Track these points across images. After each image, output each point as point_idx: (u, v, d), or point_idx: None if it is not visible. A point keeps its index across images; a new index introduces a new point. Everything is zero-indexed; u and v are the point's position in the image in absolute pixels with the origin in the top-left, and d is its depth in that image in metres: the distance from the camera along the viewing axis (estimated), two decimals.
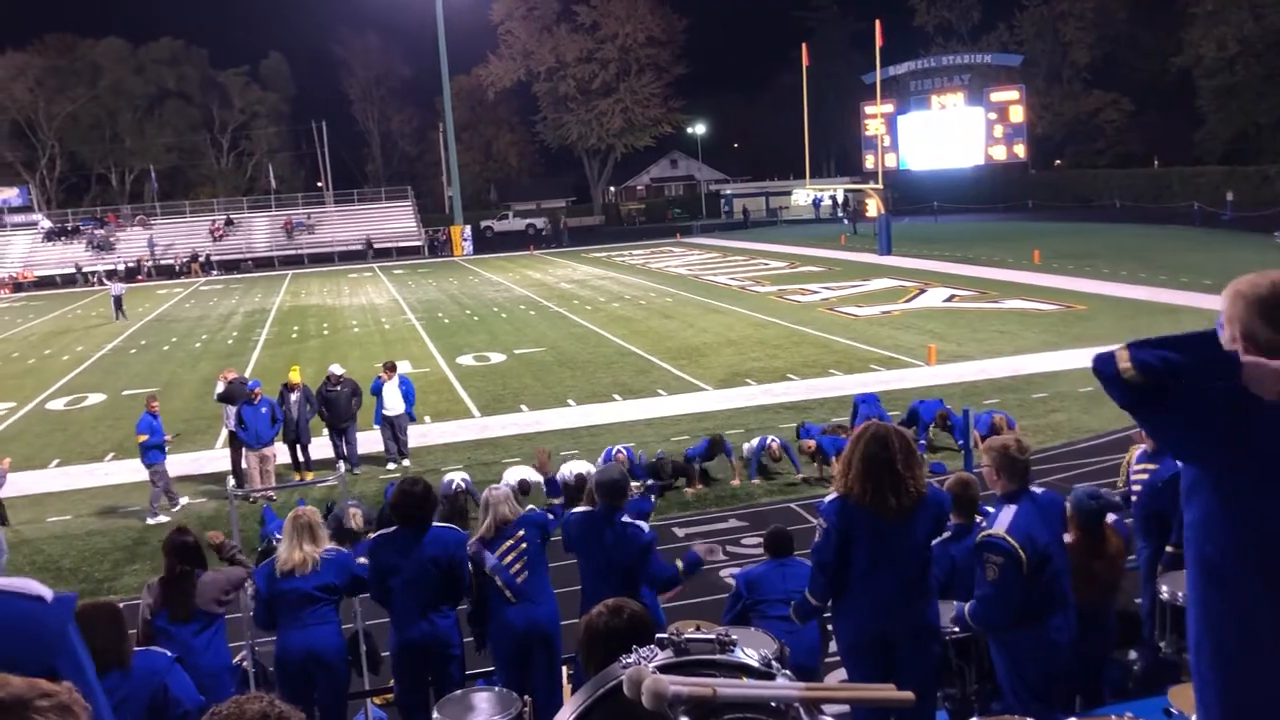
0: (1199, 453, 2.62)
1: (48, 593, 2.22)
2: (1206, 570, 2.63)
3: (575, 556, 6.03)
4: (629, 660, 1.78)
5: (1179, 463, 2.79)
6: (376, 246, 57.53)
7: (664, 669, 1.73)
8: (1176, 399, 2.50)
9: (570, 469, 12.00)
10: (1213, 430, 2.51)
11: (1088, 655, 5.28)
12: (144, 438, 12.57)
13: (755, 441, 12.79)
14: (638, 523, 5.90)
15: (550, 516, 6.44)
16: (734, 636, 1.89)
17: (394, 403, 14.26)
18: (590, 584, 5.81)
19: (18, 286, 51.43)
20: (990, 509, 5.29)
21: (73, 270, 53.30)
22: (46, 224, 59.57)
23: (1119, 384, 2.52)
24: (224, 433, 15.25)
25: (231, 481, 8.47)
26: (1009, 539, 4.67)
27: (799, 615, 5.13)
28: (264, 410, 13.37)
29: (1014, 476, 4.86)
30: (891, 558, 4.54)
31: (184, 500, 13.25)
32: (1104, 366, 2.55)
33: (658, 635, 1.86)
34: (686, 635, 1.84)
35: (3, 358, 27.60)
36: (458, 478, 11.91)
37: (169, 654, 4.39)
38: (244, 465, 13.60)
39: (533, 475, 11.00)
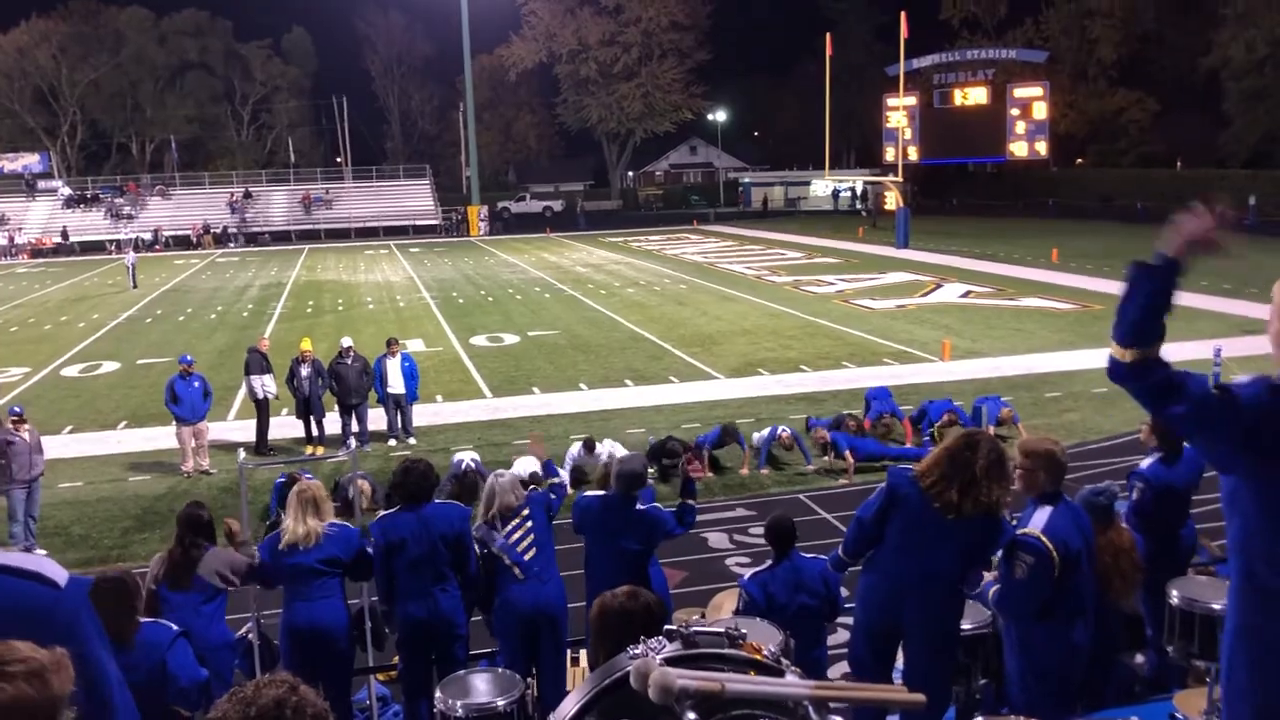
0: (1233, 460, 2.61)
1: (62, 576, 2.08)
2: (1249, 580, 2.63)
3: (584, 538, 6.05)
4: (637, 651, 1.75)
5: (1219, 472, 2.76)
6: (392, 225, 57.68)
7: (671, 661, 1.70)
8: (1200, 400, 2.52)
9: (577, 448, 12.15)
10: (1238, 432, 2.51)
11: (1096, 655, 5.26)
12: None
13: (766, 431, 12.76)
14: (655, 506, 6.09)
15: (552, 496, 6.44)
16: (743, 630, 1.86)
17: (397, 381, 14.21)
18: (598, 567, 5.85)
19: (36, 252, 51.67)
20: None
21: (101, 238, 53.84)
22: (66, 191, 59.73)
23: (1128, 370, 2.57)
24: (238, 402, 15.31)
25: (242, 454, 8.46)
26: (1044, 539, 4.61)
27: (834, 567, 5.36)
28: (196, 385, 13.19)
29: (1057, 479, 4.83)
30: (922, 547, 4.55)
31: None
32: (1112, 366, 2.62)
33: (666, 627, 1.83)
34: (695, 628, 1.80)
35: (19, 323, 27.74)
36: (468, 457, 11.94)
37: (174, 628, 4.29)
38: (179, 442, 13.19)
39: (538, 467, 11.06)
